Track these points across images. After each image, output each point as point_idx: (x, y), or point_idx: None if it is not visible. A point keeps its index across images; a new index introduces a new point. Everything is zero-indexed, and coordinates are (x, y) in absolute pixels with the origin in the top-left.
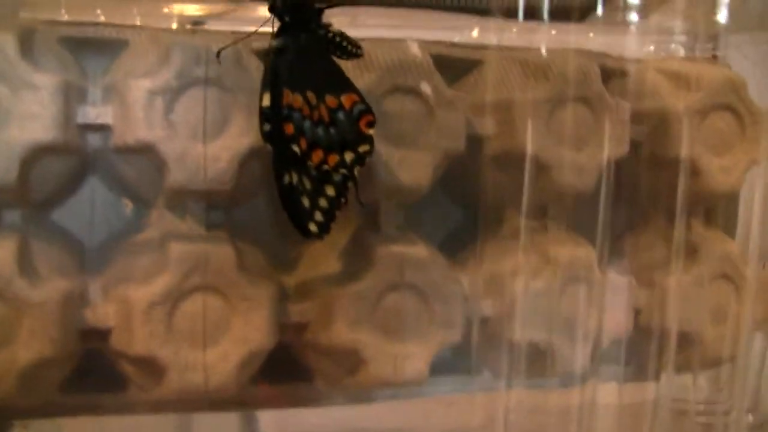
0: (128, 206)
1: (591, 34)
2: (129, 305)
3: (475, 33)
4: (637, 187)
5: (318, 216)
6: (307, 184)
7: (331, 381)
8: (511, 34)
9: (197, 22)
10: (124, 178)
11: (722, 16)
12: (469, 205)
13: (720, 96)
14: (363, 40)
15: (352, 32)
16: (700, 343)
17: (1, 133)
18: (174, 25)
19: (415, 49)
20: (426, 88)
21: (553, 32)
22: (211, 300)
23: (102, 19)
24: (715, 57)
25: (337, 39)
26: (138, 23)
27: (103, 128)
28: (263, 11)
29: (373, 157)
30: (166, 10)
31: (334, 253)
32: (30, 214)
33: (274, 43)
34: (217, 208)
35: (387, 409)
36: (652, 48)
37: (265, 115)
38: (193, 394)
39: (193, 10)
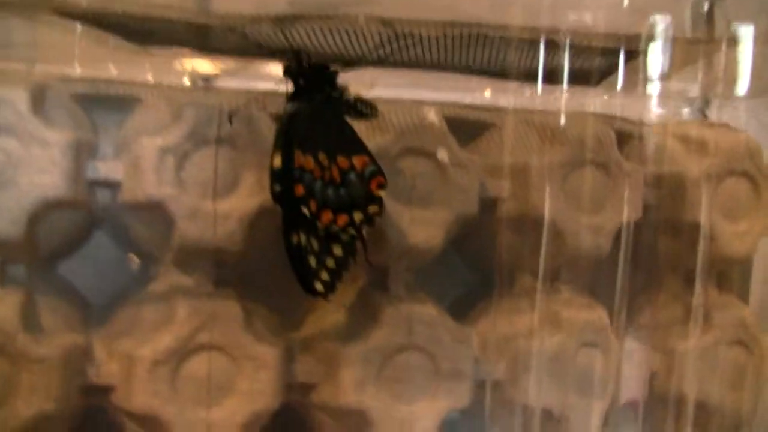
0: (135, 262)
1: (606, 97)
2: (133, 363)
3: (487, 94)
4: (652, 252)
5: (324, 275)
6: (315, 244)
7: None
8: (526, 96)
9: (208, 78)
10: (131, 234)
11: (741, 80)
12: (481, 267)
13: (736, 162)
14: (377, 100)
15: (366, 93)
16: (717, 410)
17: (10, 188)
18: (186, 81)
19: (431, 115)
20: (440, 151)
21: (569, 95)
22: (216, 359)
23: (115, 73)
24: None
25: (352, 101)
26: (150, 78)
27: (112, 184)
28: (275, 68)
29: (384, 219)
30: (178, 66)
31: (342, 313)
32: (35, 268)
33: (288, 107)
34: (225, 265)
35: None
36: (668, 111)
37: (276, 176)
38: None
39: (206, 66)
